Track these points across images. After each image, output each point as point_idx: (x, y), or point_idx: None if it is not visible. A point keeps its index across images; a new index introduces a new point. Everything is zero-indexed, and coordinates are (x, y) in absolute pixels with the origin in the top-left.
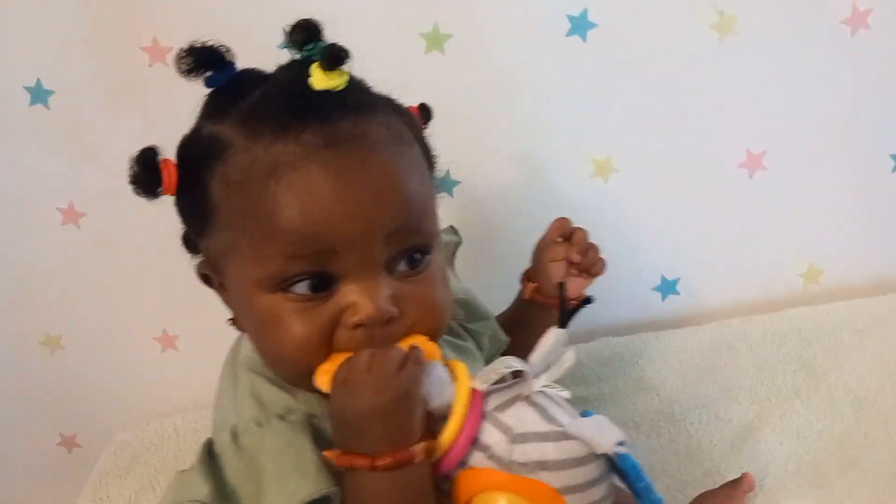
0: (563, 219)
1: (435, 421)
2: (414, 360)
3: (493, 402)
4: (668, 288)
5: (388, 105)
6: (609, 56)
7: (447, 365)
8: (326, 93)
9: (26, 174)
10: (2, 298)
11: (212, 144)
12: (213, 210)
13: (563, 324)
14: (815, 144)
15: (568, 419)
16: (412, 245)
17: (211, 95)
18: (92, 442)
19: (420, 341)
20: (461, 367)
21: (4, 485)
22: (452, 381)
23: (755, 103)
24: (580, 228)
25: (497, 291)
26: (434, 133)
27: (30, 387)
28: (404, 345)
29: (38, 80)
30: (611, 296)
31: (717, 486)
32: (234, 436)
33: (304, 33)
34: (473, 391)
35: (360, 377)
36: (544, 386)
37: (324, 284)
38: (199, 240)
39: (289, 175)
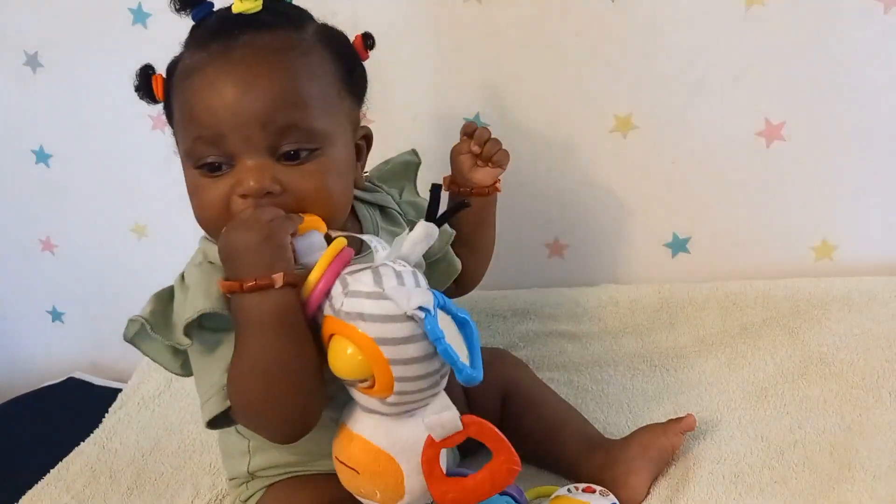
0: (469, 122)
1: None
2: (283, 217)
3: (350, 269)
4: (678, 246)
5: (304, 27)
6: (636, 16)
7: (330, 238)
8: (241, 14)
9: (124, 85)
10: (102, 191)
11: (175, 61)
12: (171, 108)
13: (431, 218)
14: (837, 120)
15: (393, 285)
16: (293, 139)
17: (192, 28)
18: None
19: (311, 217)
20: (339, 239)
21: (102, 343)
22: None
23: (778, 74)
24: (484, 127)
25: (512, 226)
26: (467, 79)
27: (120, 267)
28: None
29: (140, 4)
30: (622, 247)
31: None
32: (182, 276)
33: None
34: (338, 255)
35: (237, 222)
36: (396, 261)
37: (224, 164)
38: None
39: (196, 76)
